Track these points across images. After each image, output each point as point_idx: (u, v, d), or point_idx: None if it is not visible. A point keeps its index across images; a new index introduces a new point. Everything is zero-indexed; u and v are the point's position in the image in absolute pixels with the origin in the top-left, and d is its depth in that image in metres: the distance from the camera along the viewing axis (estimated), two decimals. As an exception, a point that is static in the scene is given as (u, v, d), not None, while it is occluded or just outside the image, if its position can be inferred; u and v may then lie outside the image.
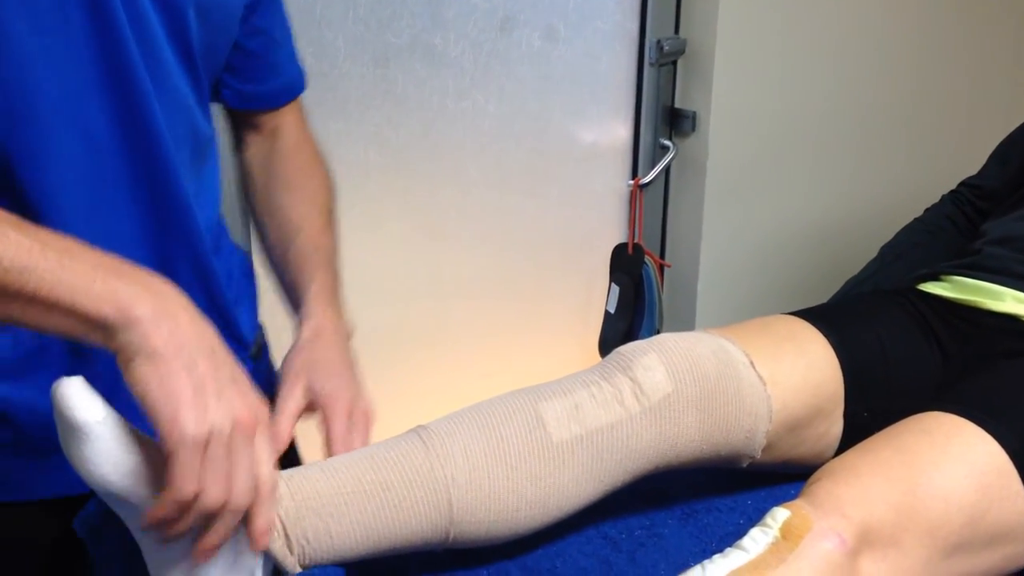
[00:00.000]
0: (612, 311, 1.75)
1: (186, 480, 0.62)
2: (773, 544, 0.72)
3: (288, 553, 0.73)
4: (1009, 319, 0.98)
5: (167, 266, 0.82)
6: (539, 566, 0.83)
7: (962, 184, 1.34)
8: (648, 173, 1.74)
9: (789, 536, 0.72)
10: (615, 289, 1.74)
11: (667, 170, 1.78)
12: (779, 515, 0.74)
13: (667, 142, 1.75)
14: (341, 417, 0.82)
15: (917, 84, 1.94)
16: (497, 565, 0.83)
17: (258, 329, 1.01)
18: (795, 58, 1.78)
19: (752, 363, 0.86)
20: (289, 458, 0.95)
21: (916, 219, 1.36)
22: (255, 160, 1.00)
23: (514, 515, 0.78)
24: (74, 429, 0.64)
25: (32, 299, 0.61)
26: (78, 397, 0.64)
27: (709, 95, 1.70)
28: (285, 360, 0.87)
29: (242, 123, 1.01)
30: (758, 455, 0.87)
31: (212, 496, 0.63)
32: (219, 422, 0.62)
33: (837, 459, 0.82)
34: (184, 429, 0.61)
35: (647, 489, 0.87)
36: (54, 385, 0.65)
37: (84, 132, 0.74)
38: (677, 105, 1.75)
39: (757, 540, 0.73)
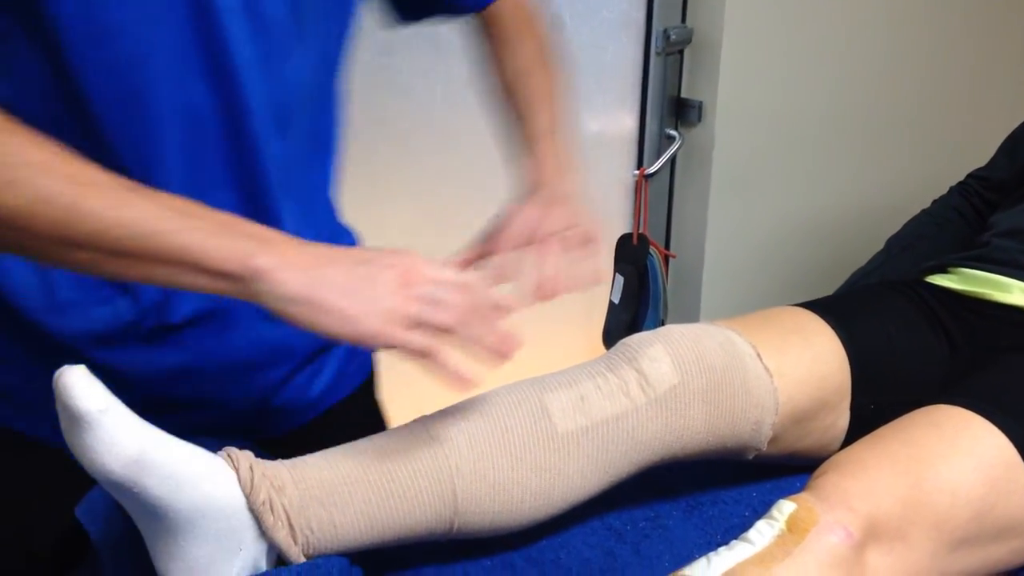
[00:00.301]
0: (616, 302, 1.74)
1: (422, 346, 0.66)
2: (779, 537, 0.72)
3: (292, 543, 0.72)
4: (1017, 311, 0.97)
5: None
6: (543, 557, 0.83)
7: (970, 176, 1.33)
8: (653, 163, 1.74)
9: (795, 529, 0.72)
10: (619, 280, 1.73)
11: (673, 160, 1.78)
12: (785, 508, 0.73)
13: (673, 132, 1.74)
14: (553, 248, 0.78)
15: (924, 76, 1.93)
16: (501, 556, 0.83)
17: None
18: (802, 49, 1.77)
19: (759, 355, 0.86)
20: (375, 424, 0.99)
21: (923, 211, 1.35)
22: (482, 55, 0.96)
23: (519, 506, 0.78)
24: (76, 418, 0.64)
25: (162, 260, 0.64)
26: (80, 386, 0.64)
27: (716, 85, 1.69)
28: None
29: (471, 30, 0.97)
30: (764, 447, 0.87)
31: (442, 327, 0.67)
32: (388, 302, 0.66)
33: (843, 452, 0.81)
34: (377, 335, 0.65)
35: (652, 480, 0.87)
36: (56, 374, 0.65)
37: (185, 114, 0.73)
38: (683, 95, 1.74)
39: (763, 533, 0.72)
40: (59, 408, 0.65)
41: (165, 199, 0.65)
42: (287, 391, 0.89)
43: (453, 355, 0.68)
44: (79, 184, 0.63)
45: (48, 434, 0.76)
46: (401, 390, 0.89)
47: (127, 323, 0.79)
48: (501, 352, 0.70)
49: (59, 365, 0.68)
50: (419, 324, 0.67)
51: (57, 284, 0.78)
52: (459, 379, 0.68)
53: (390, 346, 0.67)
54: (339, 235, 0.94)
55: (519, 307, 0.73)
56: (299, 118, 0.80)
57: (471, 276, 0.72)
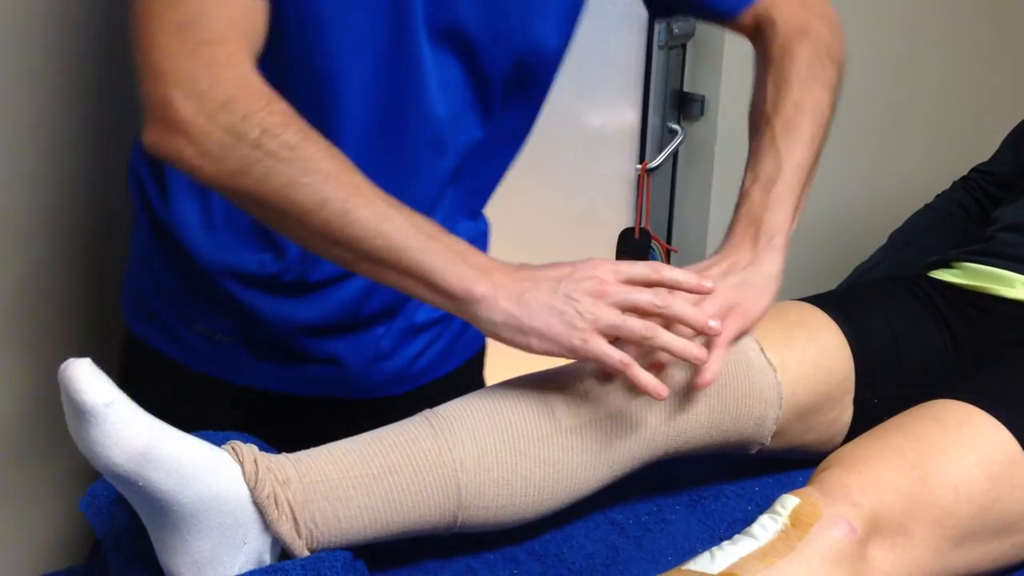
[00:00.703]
0: (618, 296, 1.74)
1: (622, 362, 0.74)
2: (782, 531, 0.72)
3: (296, 537, 0.73)
4: (1021, 306, 0.97)
5: None
6: (546, 551, 0.83)
7: (974, 170, 1.33)
8: (656, 157, 1.73)
9: (799, 524, 0.72)
10: (621, 274, 1.73)
11: (675, 154, 1.77)
12: (788, 502, 0.73)
13: (675, 126, 1.74)
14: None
15: (928, 71, 1.93)
16: (504, 550, 0.83)
17: None
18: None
19: (762, 349, 0.86)
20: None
21: (926, 205, 1.35)
22: (761, 73, 0.94)
23: (522, 500, 0.78)
24: (82, 412, 0.64)
25: (404, 272, 0.74)
26: (86, 380, 0.64)
27: (718, 79, 1.69)
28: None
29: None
30: (767, 442, 0.87)
31: (639, 335, 0.74)
32: (586, 319, 0.74)
33: (847, 446, 0.81)
34: (577, 350, 0.74)
35: (654, 475, 0.87)
36: (62, 367, 0.65)
37: (368, 100, 0.82)
38: (686, 89, 1.74)
39: (766, 527, 0.72)
40: (64, 401, 0.65)
41: (417, 219, 0.75)
42: (399, 357, 0.97)
43: (644, 373, 0.76)
44: (355, 195, 0.73)
45: (195, 363, 0.93)
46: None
47: (270, 273, 0.89)
48: (698, 354, 0.77)
49: (205, 299, 0.89)
50: (616, 332, 0.75)
51: (217, 224, 0.88)
52: (654, 392, 0.76)
53: (590, 358, 0.75)
54: (478, 223, 1.00)
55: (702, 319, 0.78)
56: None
57: (657, 266, 0.78)
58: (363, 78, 0.81)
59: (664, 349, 0.76)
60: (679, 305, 0.76)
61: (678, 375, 0.81)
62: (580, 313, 0.74)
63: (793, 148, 0.88)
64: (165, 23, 0.72)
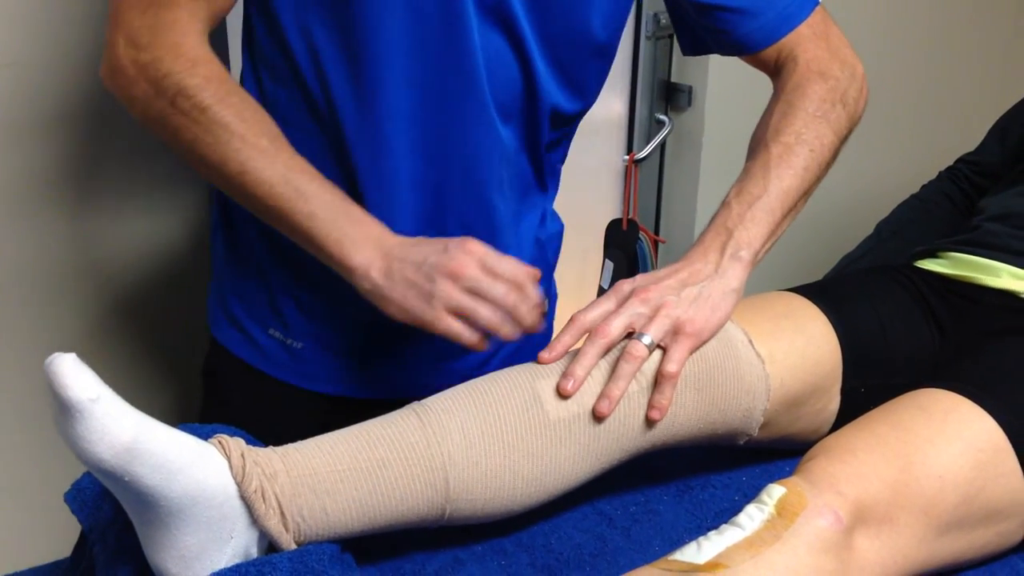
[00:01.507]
0: (606, 287, 1.74)
1: (465, 338, 0.80)
2: (769, 521, 0.72)
3: (283, 530, 0.72)
4: (1006, 295, 0.98)
5: (445, 213, 0.92)
6: (534, 542, 0.83)
7: (960, 160, 1.33)
8: (644, 148, 1.73)
9: (785, 513, 0.72)
10: (609, 265, 1.73)
11: (663, 145, 1.77)
12: (775, 492, 0.74)
13: (663, 117, 1.74)
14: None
15: (916, 63, 1.93)
16: (492, 542, 0.83)
17: (548, 298, 1.02)
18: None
19: (751, 341, 0.86)
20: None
21: (913, 196, 1.36)
22: (771, 103, 0.96)
23: (510, 493, 0.78)
24: (67, 407, 0.63)
25: (292, 232, 0.82)
26: (72, 375, 0.63)
27: (706, 70, 1.69)
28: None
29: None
30: (755, 433, 0.87)
31: (485, 323, 0.80)
32: (438, 298, 0.79)
33: (832, 436, 0.82)
34: (429, 323, 0.80)
35: (642, 465, 0.87)
36: (46, 362, 0.64)
37: (415, 86, 0.86)
38: (673, 79, 1.74)
39: (753, 517, 0.73)
40: (50, 397, 0.64)
41: (313, 184, 0.81)
42: (466, 360, 1.00)
43: (478, 339, 0.81)
44: (253, 157, 0.80)
45: (270, 369, 0.98)
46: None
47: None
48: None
49: (275, 302, 0.95)
50: (463, 313, 0.80)
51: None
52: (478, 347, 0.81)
53: (436, 331, 0.80)
54: (549, 222, 1.04)
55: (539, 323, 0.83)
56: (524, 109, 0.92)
57: (519, 271, 0.81)
58: (409, 55, 0.85)
59: (506, 338, 0.82)
60: (522, 311, 0.81)
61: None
62: (434, 293, 0.79)
63: (784, 174, 0.88)
64: None
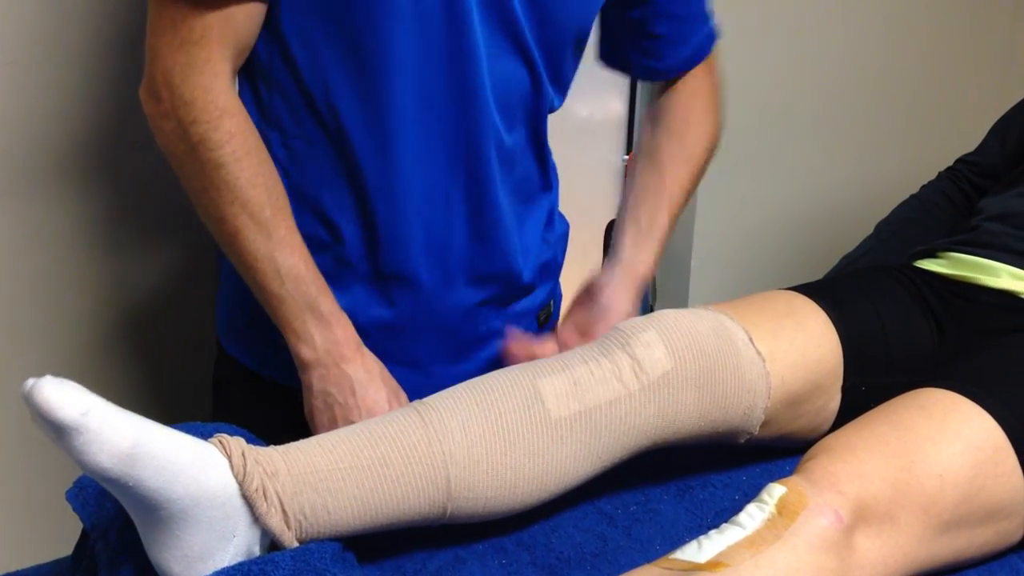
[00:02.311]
0: (606, 287, 1.74)
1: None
2: (769, 520, 0.72)
3: (286, 528, 0.73)
4: (1005, 295, 0.98)
5: (452, 218, 0.94)
6: (535, 541, 0.83)
7: (959, 161, 1.34)
8: (643, 148, 1.73)
9: (785, 512, 0.72)
10: (609, 265, 1.73)
11: (662, 145, 1.77)
12: (775, 491, 0.74)
13: (662, 117, 1.74)
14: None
15: (915, 64, 1.93)
16: (493, 540, 0.83)
17: (553, 298, 1.09)
18: (792, 35, 1.77)
19: (751, 339, 0.86)
20: None
21: (912, 196, 1.36)
22: (654, 107, 1.07)
23: (512, 491, 0.78)
24: (60, 428, 0.63)
25: (264, 303, 0.87)
26: (55, 398, 0.62)
27: (705, 70, 1.68)
28: (574, 301, 1.01)
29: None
30: (756, 431, 0.87)
31: None
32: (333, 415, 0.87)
33: (833, 435, 0.82)
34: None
35: (643, 464, 0.87)
36: (25, 392, 0.63)
37: (421, 92, 0.87)
38: (672, 79, 1.73)
39: (753, 516, 0.73)
40: (40, 424, 0.64)
41: (292, 266, 0.85)
42: (475, 360, 1.01)
43: None
44: (248, 225, 0.84)
45: (280, 376, 0.97)
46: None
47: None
48: None
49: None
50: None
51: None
52: None
53: None
54: (557, 223, 1.06)
55: None
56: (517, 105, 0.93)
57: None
58: (415, 62, 0.86)
59: None
60: None
61: (666, 364, 0.82)
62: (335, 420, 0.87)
63: (675, 212, 1.04)
64: (164, 15, 0.82)
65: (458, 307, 0.97)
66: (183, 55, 0.81)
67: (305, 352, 0.87)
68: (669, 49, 1.01)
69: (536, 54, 0.91)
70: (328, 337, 0.87)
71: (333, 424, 0.87)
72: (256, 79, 0.90)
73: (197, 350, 1.27)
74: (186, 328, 1.30)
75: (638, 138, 1.08)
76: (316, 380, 0.87)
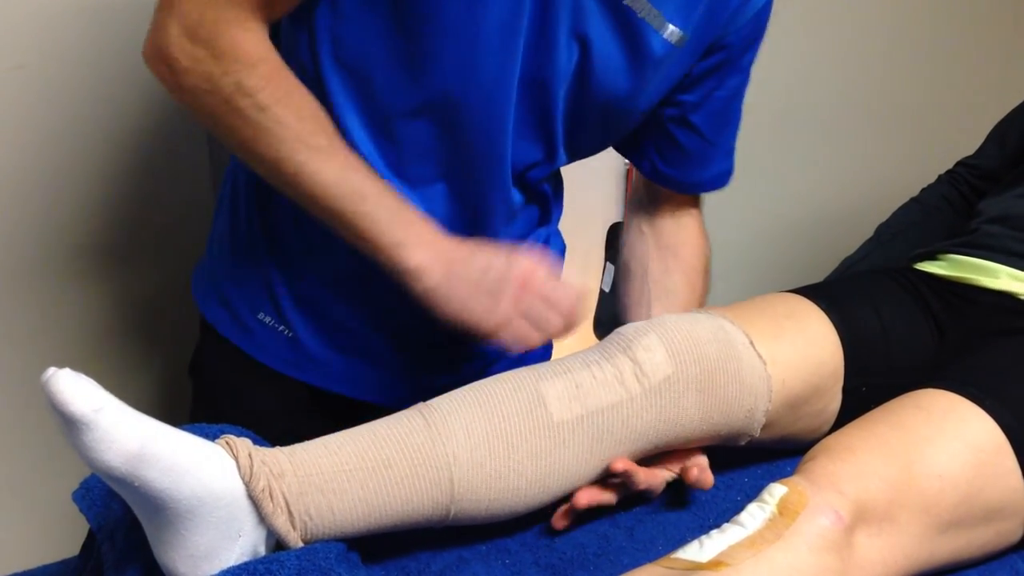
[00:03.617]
0: (607, 290, 1.75)
1: (529, 335, 0.82)
2: (770, 520, 0.73)
3: (291, 529, 0.73)
4: (1004, 296, 0.98)
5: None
6: (538, 541, 0.84)
7: (959, 164, 1.34)
8: (645, 152, 1.73)
9: (786, 512, 0.73)
10: (610, 268, 1.74)
11: (663, 149, 1.77)
12: (776, 491, 0.74)
13: (664, 121, 1.74)
14: None
15: (917, 68, 1.94)
16: (496, 541, 0.83)
17: None
18: (793, 39, 1.77)
19: (752, 343, 0.87)
20: None
21: (912, 199, 1.36)
22: (645, 230, 1.06)
23: (515, 493, 0.79)
24: (71, 422, 0.64)
25: (349, 231, 0.82)
26: (71, 390, 0.64)
27: (706, 73, 1.69)
28: None
29: (647, 181, 1.04)
30: (757, 434, 0.87)
31: (554, 327, 0.83)
32: (500, 312, 0.81)
33: (833, 436, 0.82)
34: (487, 334, 0.82)
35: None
36: (43, 380, 0.64)
37: (442, 169, 0.89)
38: (674, 83, 1.74)
39: (754, 516, 0.73)
40: (53, 414, 0.65)
41: (370, 184, 0.81)
42: (467, 367, 1.01)
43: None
44: (313, 156, 0.79)
45: (260, 355, 0.97)
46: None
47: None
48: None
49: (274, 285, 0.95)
50: (531, 319, 0.82)
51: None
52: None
53: (505, 335, 0.82)
54: (552, 244, 1.05)
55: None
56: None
57: (572, 292, 0.84)
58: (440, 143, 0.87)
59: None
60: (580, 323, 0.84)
61: (667, 368, 0.82)
62: (502, 295, 0.81)
63: None
64: None
65: (447, 332, 0.96)
66: (210, 11, 0.76)
67: (414, 257, 0.81)
68: (687, 164, 1.00)
69: (561, 151, 0.93)
70: (432, 230, 0.83)
71: (494, 301, 0.81)
72: None
73: (178, 336, 1.27)
74: (187, 329, 1.31)
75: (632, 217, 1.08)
76: (444, 276, 0.81)
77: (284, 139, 0.79)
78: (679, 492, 0.91)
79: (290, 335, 0.97)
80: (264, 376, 0.99)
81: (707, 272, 1.05)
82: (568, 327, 0.84)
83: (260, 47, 0.79)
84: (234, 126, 0.79)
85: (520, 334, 0.82)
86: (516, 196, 0.94)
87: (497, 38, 0.81)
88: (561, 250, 1.09)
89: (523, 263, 0.82)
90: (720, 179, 1.03)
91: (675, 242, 1.04)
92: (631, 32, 0.85)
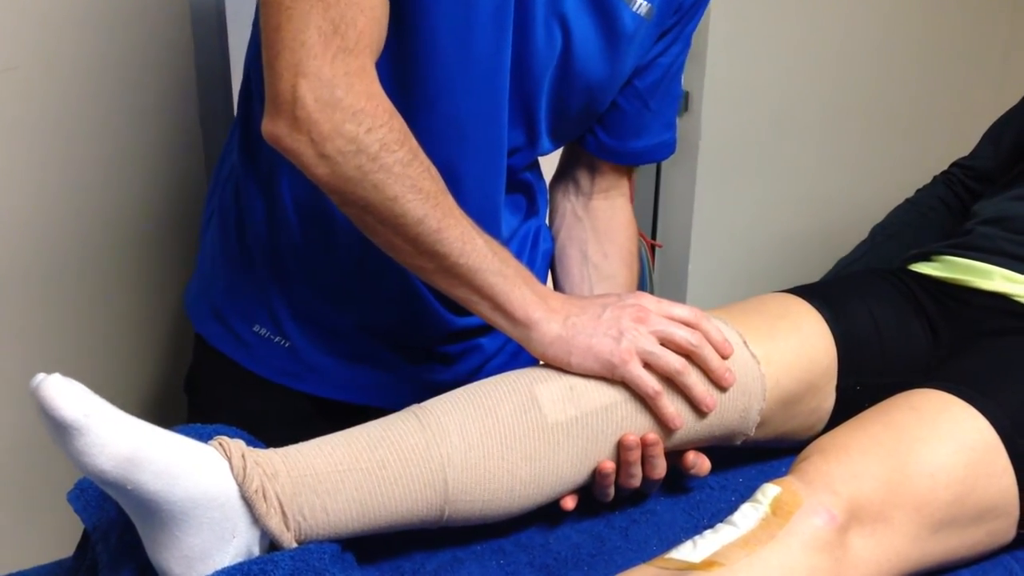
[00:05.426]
0: (604, 291, 1.75)
1: (653, 391, 0.80)
2: (764, 520, 0.73)
3: (285, 529, 0.73)
4: (998, 297, 0.99)
5: None
6: (533, 542, 0.84)
7: (954, 165, 1.34)
8: (641, 153, 1.74)
9: (779, 512, 0.73)
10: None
11: (659, 150, 1.78)
12: (769, 491, 0.75)
13: (660, 122, 1.75)
14: None
15: (911, 66, 1.94)
16: (491, 541, 0.84)
17: None
18: (789, 39, 1.78)
19: (746, 342, 0.87)
20: None
21: (907, 200, 1.36)
22: (581, 215, 1.07)
23: (508, 495, 0.79)
24: (62, 427, 0.64)
25: (476, 290, 0.82)
26: (61, 395, 0.64)
27: (703, 74, 1.70)
28: None
29: (584, 162, 1.05)
30: (752, 433, 0.88)
31: (671, 369, 0.81)
32: (626, 340, 0.80)
33: (827, 436, 0.83)
34: (615, 369, 0.80)
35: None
36: (33, 385, 0.64)
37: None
38: (670, 85, 1.74)
39: (748, 516, 0.73)
40: (43, 420, 0.65)
41: (494, 243, 0.83)
42: (459, 364, 1.02)
43: (669, 405, 0.82)
44: (448, 215, 0.80)
45: (256, 367, 0.98)
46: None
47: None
48: (711, 404, 0.83)
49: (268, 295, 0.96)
50: (652, 360, 0.81)
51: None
52: (673, 424, 0.82)
53: (624, 379, 0.81)
54: (539, 244, 1.06)
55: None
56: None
57: (697, 313, 0.84)
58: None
59: (686, 388, 0.82)
60: (709, 351, 0.82)
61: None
62: (623, 333, 0.81)
63: None
64: (311, 25, 0.74)
65: (438, 329, 0.98)
66: (340, 65, 0.74)
67: (536, 312, 0.82)
68: (629, 133, 1.01)
69: (544, 136, 0.94)
70: (544, 291, 0.84)
71: (614, 341, 0.80)
72: (254, 97, 0.90)
73: (173, 346, 1.27)
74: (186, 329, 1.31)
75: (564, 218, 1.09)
76: (561, 327, 0.81)
77: (426, 196, 0.78)
78: (674, 493, 0.91)
79: (288, 345, 0.97)
80: (262, 389, 0.99)
81: (638, 254, 1.08)
82: (702, 359, 0.83)
83: (388, 100, 0.78)
84: (379, 184, 0.77)
85: (640, 376, 0.80)
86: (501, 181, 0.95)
87: (490, 21, 0.82)
88: (548, 249, 1.09)
89: (637, 302, 0.83)
90: (662, 149, 1.04)
91: (611, 227, 1.05)
92: (604, 9, 0.87)
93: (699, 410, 0.83)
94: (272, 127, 0.76)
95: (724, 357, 0.83)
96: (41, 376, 0.64)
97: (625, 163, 1.05)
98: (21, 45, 1.09)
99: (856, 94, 1.90)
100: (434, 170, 0.80)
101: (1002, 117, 1.32)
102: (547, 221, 1.10)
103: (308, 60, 0.74)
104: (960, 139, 1.42)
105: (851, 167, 1.96)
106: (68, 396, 0.64)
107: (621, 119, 1.00)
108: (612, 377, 0.81)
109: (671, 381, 0.82)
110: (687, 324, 0.83)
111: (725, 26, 1.68)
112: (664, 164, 1.81)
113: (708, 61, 1.69)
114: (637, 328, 0.81)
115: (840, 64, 1.86)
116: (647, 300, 0.84)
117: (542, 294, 0.83)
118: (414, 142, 0.79)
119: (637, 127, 1.01)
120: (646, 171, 1.79)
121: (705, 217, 1.80)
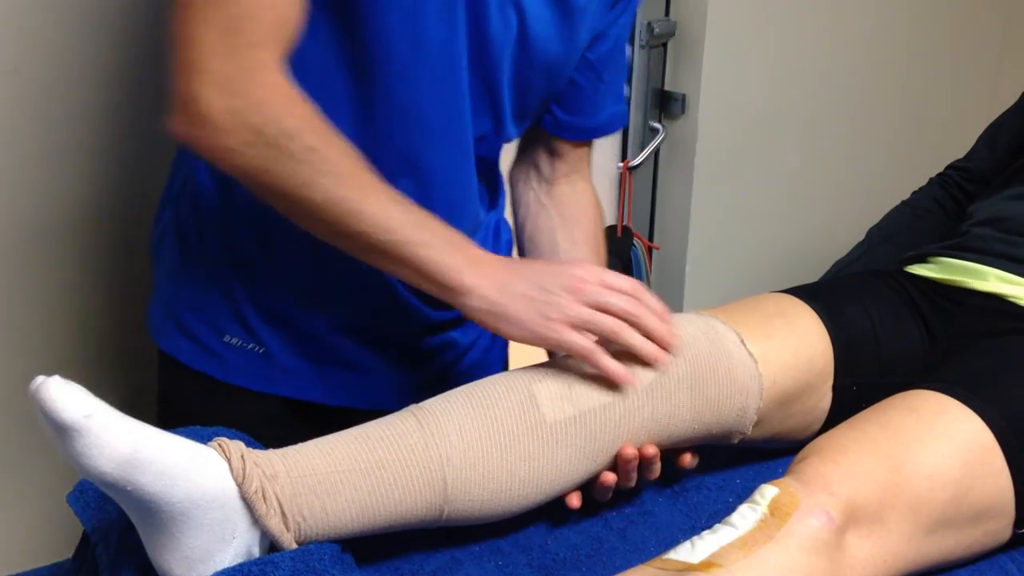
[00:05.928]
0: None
1: (587, 349, 0.80)
2: (761, 521, 0.73)
3: (284, 530, 0.73)
4: (993, 298, 0.99)
5: None
6: (531, 543, 0.84)
7: (950, 167, 1.35)
8: (637, 155, 1.75)
9: (777, 513, 0.73)
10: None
11: (656, 152, 1.79)
12: (767, 492, 0.75)
13: (657, 124, 1.76)
14: None
15: (906, 68, 1.95)
16: (489, 542, 0.84)
17: None
18: (785, 41, 1.79)
19: (743, 341, 0.87)
20: None
21: (903, 202, 1.37)
22: (545, 202, 1.06)
23: (507, 494, 0.79)
24: (63, 429, 0.64)
25: (404, 264, 0.81)
26: (61, 398, 0.64)
27: (699, 78, 1.70)
28: None
29: (543, 147, 1.05)
30: (749, 432, 0.88)
31: (608, 329, 0.81)
32: (558, 309, 0.80)
33: (824, 437, 0.83)
34: (546, 337, 0.80)
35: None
36: (32, 388, 0.65)
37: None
38: (667, 87, 1.75)
39: (746, 517, 0.74)
40: (43, 421, 0.65)
41: (419, 214, 0.82)
42: (427, 369, 1.02)
43: (609, 359, 0.81)
44: (367, 194, 0.80)
45: (228, 376, 0.97)
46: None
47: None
48: (659, 355, 0.82)
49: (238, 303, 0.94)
50: (586, 326, 0.80)
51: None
52: (616, 377, 0.81)
53: (558, 346, 0.81)
54: (500, 235, 1.06)
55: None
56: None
57: (635, 283, 0.83)
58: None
59: (628, 346, 0.82)
60: (648, 316, 0.82)
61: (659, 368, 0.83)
62: (552, 304, 0.80)
63: None
64: (210, 23, 0.76)
65: (411, 325, 0.98)
66: (237, 60, 0.76)
67: (469, 278, 0.81)
68: (583, 108, 1.01)
69: (509, 121, 0.94)
70: (478, 255, 0.83)
71: (546, 311, 0.80)
72: None
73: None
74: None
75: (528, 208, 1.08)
76: (496, 294, 0.81)
77: (339, 178, 0.78)
78: (672, 494, 0.91)
79: (261, 351, 0.96)
80: (238, 398, 0.97)
81: (604, 236, 1.08)
82: (644, 327, 0.82)
83: (292, 89, 0.79)
84: (284, 172, 0.78)
85: (574, 342, 0.80)
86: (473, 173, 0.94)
87: (441, 8, 0.82)
88: (509, 239, 1.09)
89: (574, 271, 0.82)
90: (615, 121, 1.05)
91: (577, 213, 1.05)
92: None
93: (647, 363, 0.82)
94: (176, 126, 0.78)
95: (660, 334, 0.82)
96: (40, 379, 0.65)
97: (584, 138, 1.04)
98: (24, 48, 1.09)
99: (852, 97, 1.91)
100: (350, 149, 0.80)
101: (997, 119, 1.32)
102: (506, 214, 1.09)
103: (206, 58, 0.76)
104: (955, 142, 1.43)
105: (847, 169, 1.96)
106: (68, 398, 0.64)
107: (576, 94, 1.00)
108: (544, 346, 0.81)
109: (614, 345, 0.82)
110: (624, 294, 0.82)
111: (720, 30, 1.68)
112: (661, 166, 1.82)
113: (704, 64, 1.69)
114: (570, 298, 0.80)
115: (836, 68, 1.86)
116: (586, 269, 0.83)
117: (477, 259, 0.82)
118: (324, 125, 0.79)
119: (593, 100, 1.01)
120: (643, 173, 1.80)
121: (702, 219, 1.81)
